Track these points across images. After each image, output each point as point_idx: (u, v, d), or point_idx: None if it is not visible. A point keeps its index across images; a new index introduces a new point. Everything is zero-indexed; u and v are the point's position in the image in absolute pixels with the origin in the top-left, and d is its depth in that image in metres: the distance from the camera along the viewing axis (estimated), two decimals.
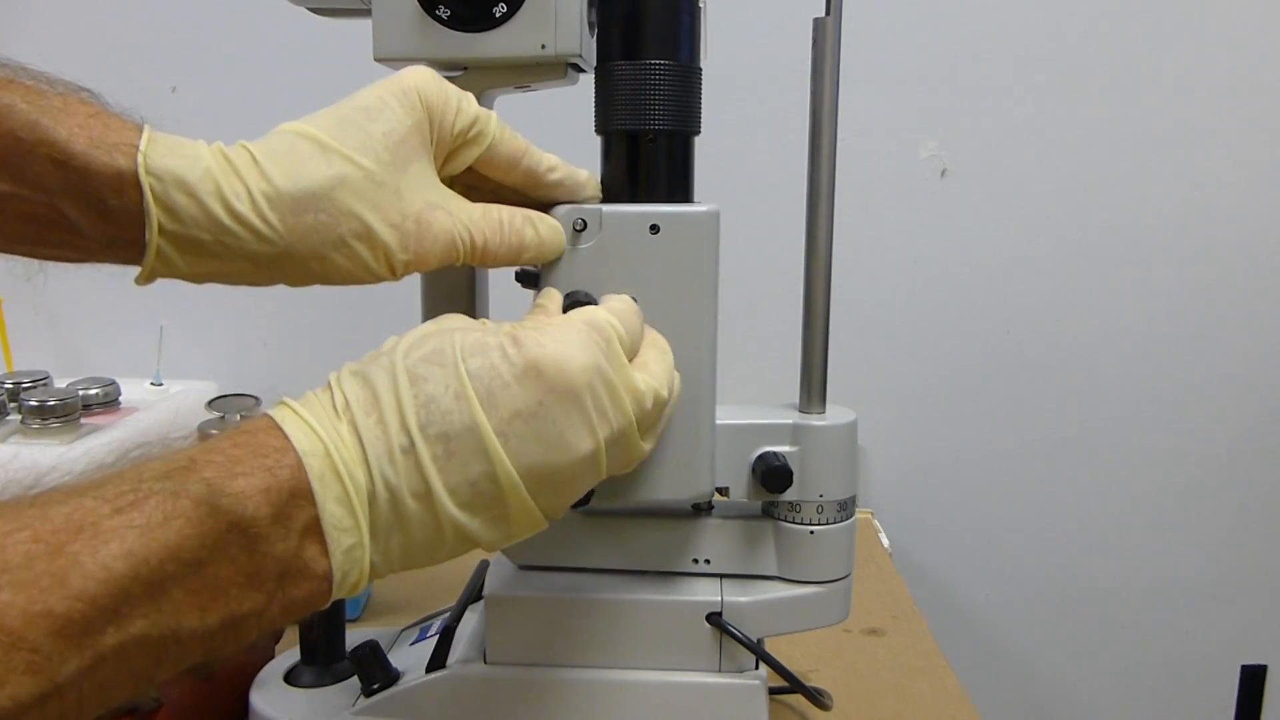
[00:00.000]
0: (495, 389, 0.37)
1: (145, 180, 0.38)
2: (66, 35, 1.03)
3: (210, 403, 0.80)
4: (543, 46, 0.48)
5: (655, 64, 0.48)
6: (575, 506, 0.48)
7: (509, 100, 0.56)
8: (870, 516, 1.01)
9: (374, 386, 0.37)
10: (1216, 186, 1.01)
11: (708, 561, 0.54)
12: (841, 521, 0.53)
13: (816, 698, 0.56)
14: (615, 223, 0.48)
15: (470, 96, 0.43)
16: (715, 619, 0.53)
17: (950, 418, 1.06)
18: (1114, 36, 0.99)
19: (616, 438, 0.39)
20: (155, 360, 1.02)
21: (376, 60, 0.50)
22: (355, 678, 0.55)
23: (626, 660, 0.53)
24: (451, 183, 0.45)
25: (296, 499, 0.33)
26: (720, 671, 0.53)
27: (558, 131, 0.91)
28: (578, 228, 0.48)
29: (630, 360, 0.42)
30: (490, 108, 0.55)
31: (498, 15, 0.47)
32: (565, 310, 0.44)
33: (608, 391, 0.39)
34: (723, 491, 0.53)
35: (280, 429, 0.35)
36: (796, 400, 0.55)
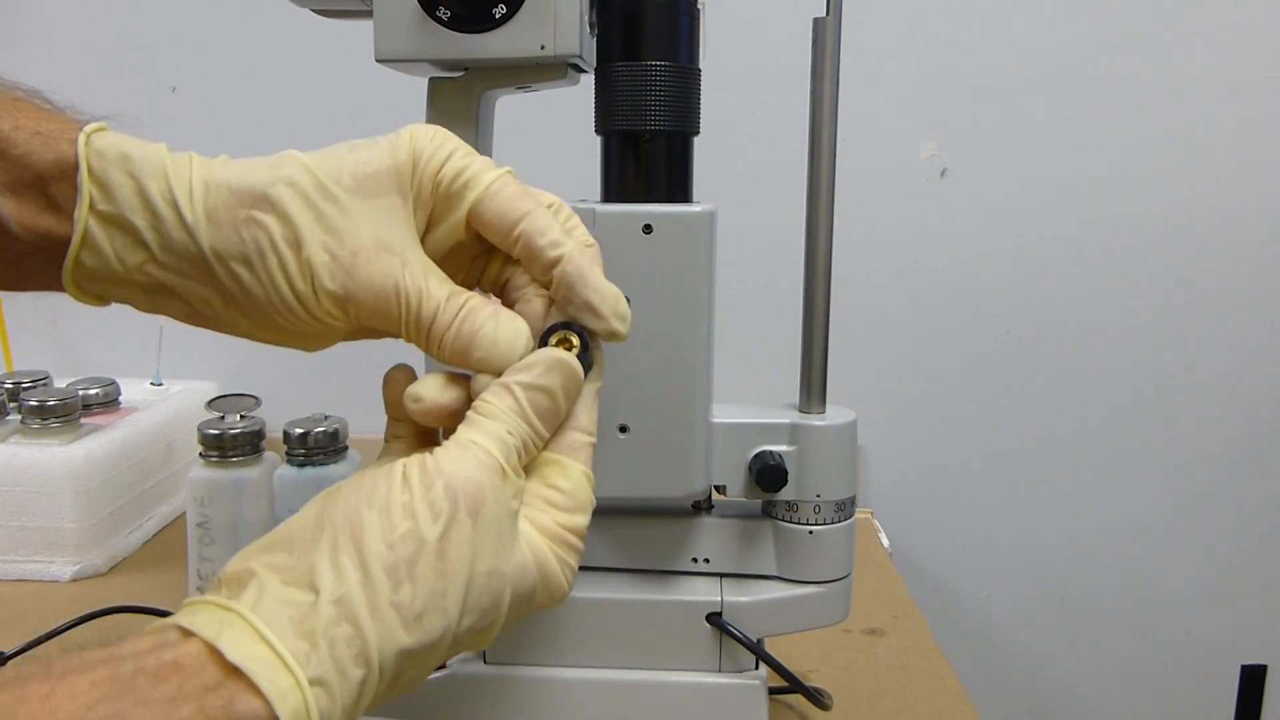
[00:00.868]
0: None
1: (84, 155, 0.35)
2: (66, 36, 1.03)
3: (210, 403, 0.80)
4: (542, 47, 0.48)
5: (654, 65, 0.49)
6: None
7: (509, 100, 0.56)
8: (870, 516, 1.01)
9: (411, 665, 0.32)
10: (1217, 187, 1.01)
11: (707, 561, 0.55)
12: (840, 521, 0.53)
13: (816, 698, 0.56)
14: (609, 222, 0.48)
15: (474, 154, 0.38)
16: (715, 619, 0.53)
17: (950, 418, 1.06)
18: (1114, 37, 0.99)
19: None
20: (155, 360, 1.02)
21: (377, 61, 0.50)
22: None
23: (626, 660, 0.54)
24: (475, 275, 0.41)
25: None
26: (720, 671, 0.54)
27: (558, 132, 0.91)
28: None
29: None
30: (491, 108, 0.55)
31: (497, 16, 0.47)
32: (545, 340, 0.37)
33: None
34: (720, 490, 0.53)
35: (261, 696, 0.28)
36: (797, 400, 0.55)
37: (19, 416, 0.86)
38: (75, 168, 0.35)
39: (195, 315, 0.38)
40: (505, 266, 0.40)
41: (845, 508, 0.53)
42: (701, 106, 0.51)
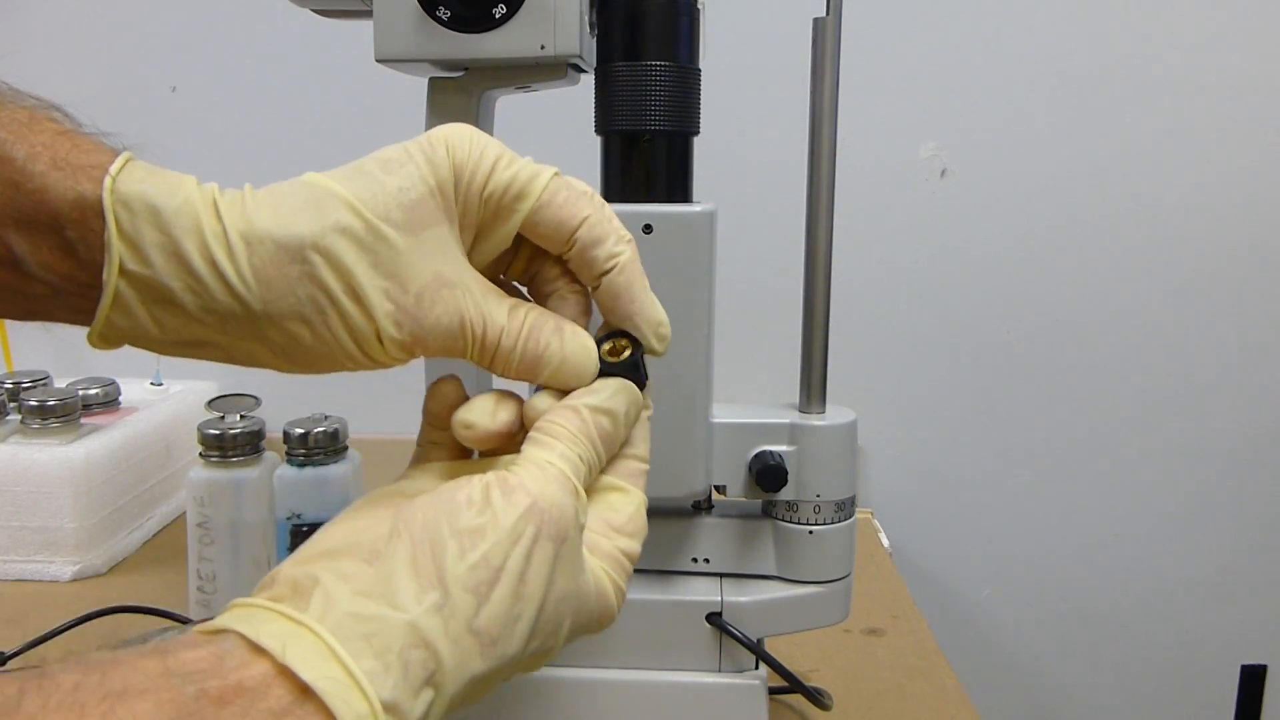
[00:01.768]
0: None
1: (110, 206, 0.31)
2: (67, 36, 1.03)
3: (210, 403, 0.80)
4: (542, 47, 0.48)
5: (654, 65, 0.49)
6: None
7: (509, 100, 0.56)
8: (870, 516, 1.01)
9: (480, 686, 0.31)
10: (1217, 186, 1.01)
11: (707, 560, 0.55)
12: (840, 522, 0.53)
13: (816, 698, 0.56)
14: None
15: (515, 159, 0.36)
16: (715, 619, 0.53)
17: (950, 418, 1.06)
18: (1114, 36, 0.99)
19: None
20: (155, 360, 1.02)
21: (377, 61, 0.50)
22: None
23: (626, 660, 0.54)
24: (500, 268, 0.39)
25: None
26: (720, 671, 0.54)
27: (558, 132, 0.91)
28: None
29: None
30: (491, 108, 0.55)
31: (497, 16, 0.47)
32: (601, 343, 0.37)
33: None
34: (720, 490, 0.53)
35: None
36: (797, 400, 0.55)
37: (19, 416, 0.86)
38: (97, 210, 0.32)
39: (231, 359, 0.35)
40: (535, 260, 0.38)
41: (845, 508, 0.53)
42: (701, 106, 0.51)
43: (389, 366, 0.35)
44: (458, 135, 0.35)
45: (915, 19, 0.99)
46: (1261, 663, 1.10)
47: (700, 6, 0.50)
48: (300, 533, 0.57)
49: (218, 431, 0.71)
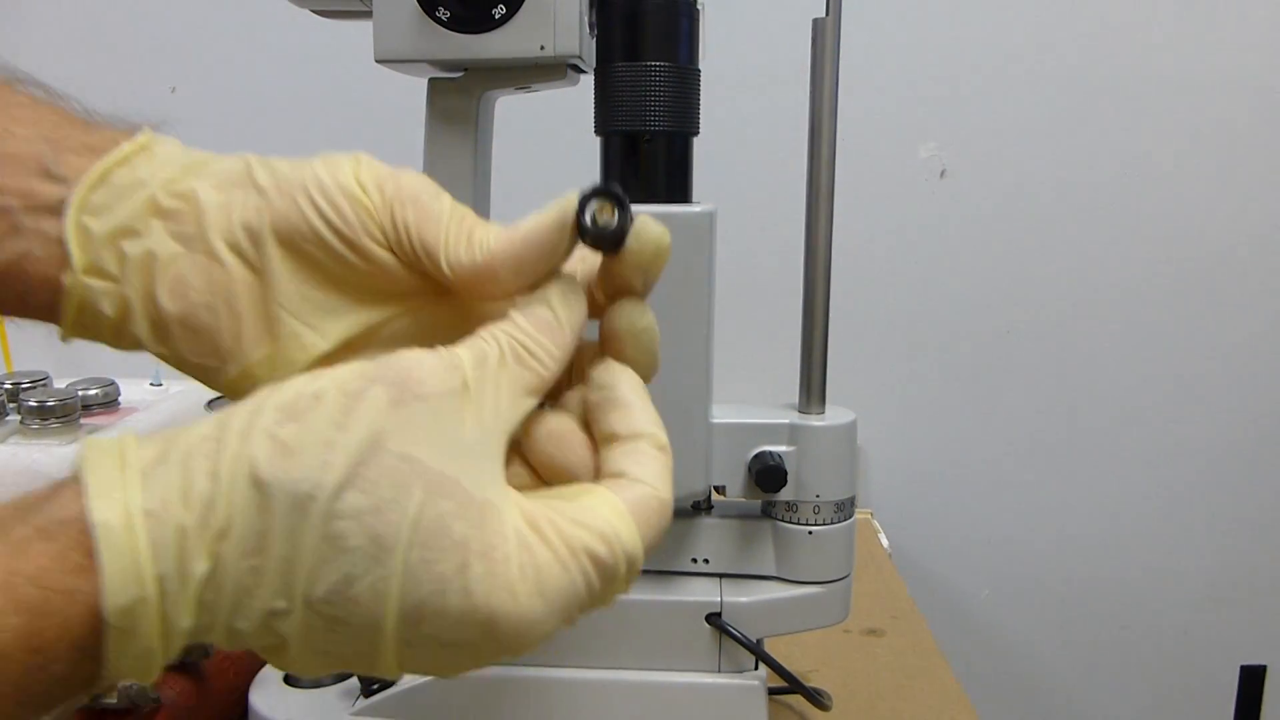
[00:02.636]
0: (427, 613, 0.26)
1: (74, 247, 0.31)
2: (66, 35, 1.03)
3: (210, 403, 0.80)
4: (542, 48, 0.48)
5: (654, 65, 0.49)
6: None
7: (509, 100, 0.56)
8: (870, 516, 1.01)
9: (271, 523, 0.25)
10: (1216, 186, 1.01)
11: (706, 561, 0.54)
12: (840, 522, 0.53)
13: (816, 698, 0.56)
14: None
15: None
16: (715, 619, 0.53)
17: (950, 418, 1.06)
18: (1114, 36, 0.99)
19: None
20: (155, 360, 1.02)
21: (377, 61, 0.50)
22: (354, 678, 0.55)
23: (626, 660, 0.54)
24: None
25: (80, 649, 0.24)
26: (719, 672, 0.53)
27: (558, 132, 0.91)
28: None
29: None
30: (491, 108, 0.55)
31: (497, 16, 0.47)
32: (587, 202, 0.30)
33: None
34: (720, 490, 0.53)
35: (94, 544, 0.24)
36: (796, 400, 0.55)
37: (18, 417, 0.85)
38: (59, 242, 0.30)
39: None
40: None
41: (845, 508, 0.53)
42: (701, 106, 0.51)
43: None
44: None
45: (915, 19, 0.99)
46: (1261, 663, 1.10)
47: (700, 7, 0.50)
48: None
49: None
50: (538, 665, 0.54)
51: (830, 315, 0.53)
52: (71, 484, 0.25)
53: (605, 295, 0.34)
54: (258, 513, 0.25)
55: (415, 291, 0.32)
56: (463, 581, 0.26)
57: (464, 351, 0.28)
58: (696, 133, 0.51)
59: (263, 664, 0.59)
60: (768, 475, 0.51)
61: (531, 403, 0.29)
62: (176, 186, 0.32)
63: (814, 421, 0.52)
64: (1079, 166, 1.01)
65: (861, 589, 0.60)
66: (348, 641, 0.26)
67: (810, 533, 0.53)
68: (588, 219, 0.30)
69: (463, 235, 0.31)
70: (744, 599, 0.53)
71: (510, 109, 0.58)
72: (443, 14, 0.47)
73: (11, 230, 0.31)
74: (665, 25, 0.49)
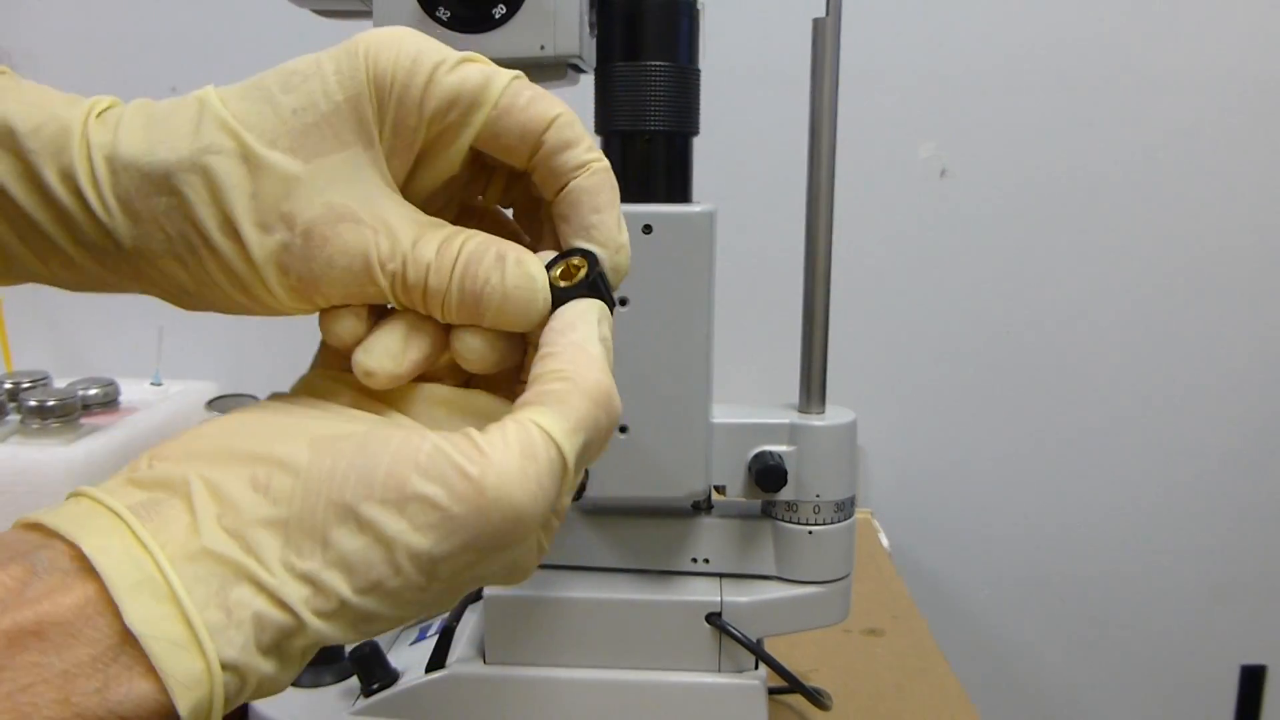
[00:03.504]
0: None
1: None
2: (66, 35, 1.03)
3: (210, 403, 0.80)
4: (542, 47, 0.48)
5: (654, 65, 0.49)
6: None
7: None
8: (870, 516, 1.01)
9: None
10: (1216, 185, 1.01)
11: (707, 561, 0.54)
12: (840, 522, 0.53)
13: (816, 698, 0.56)
14: None
15: (465, 61, 0.29)
16: (715, 619, 0.53)
17: (950, 418, 1.06)
18: (1114, 36, 0.99)
19: None
20: (155, 360, 1.02)
21: None
22: (355, 678, 0.55)
23: (626, 660, 0.54)
24: (470, 191, 0.33)
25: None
26: (720, 671, 0.54)
27: None
28: None
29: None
30: None
31: (497, 16, 0.47)
32: (551, 268, 0.29)
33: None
34: (720, 490, 0.53)
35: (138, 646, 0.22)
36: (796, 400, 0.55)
37: (18, 417, 0.86)
38: None
39: (149, 293, 0.31)
40: (510, 188, 0.33)
41: (845, 508, 0.53)
42: (701, 106, 0.51)
43: (295, 314, 0.30)
44: (384, 42, 0.29)
45: (915, 19, 0.99)
46: (1261, 663, 1.10)
47: (700, 7, 0.50)
48: None
49: None
50: (537, 665, 0.54)
51: (830, 315, 0.53)
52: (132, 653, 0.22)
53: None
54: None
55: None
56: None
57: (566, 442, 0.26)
58: (696, 133, 0.51)
59: None
60: (768, 475, 0.51)
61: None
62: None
63: (814, 421, 0.52)
64: (1079, 166, 1.01)
65: (861, 589, 0.60)
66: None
67: (810, 532, 0.53)
68: (560, 283, 0.29)
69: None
70: (744, 599, 0.53)
71: None
72: (443, 14, 0.47)
73: None
74: (665, 25, 0.49)
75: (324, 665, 0.57)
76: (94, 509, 0.24)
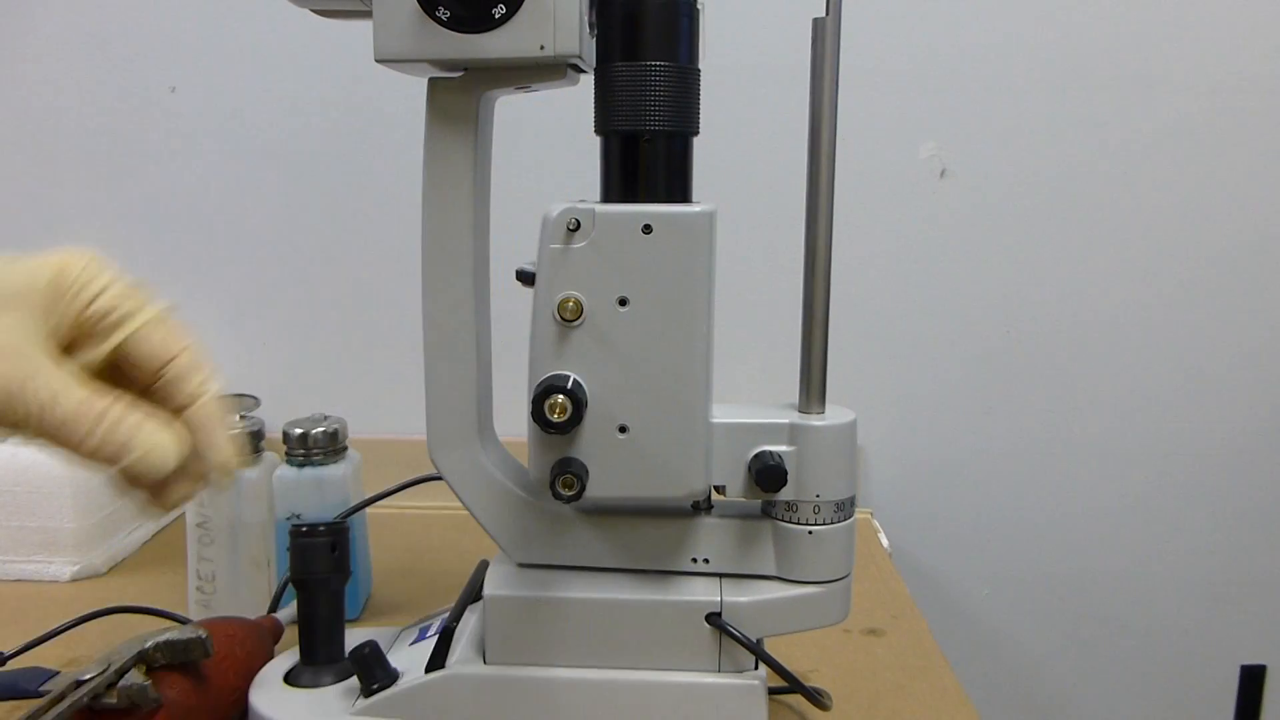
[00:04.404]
0: None
1: None
2: (66, 35, 1.03)
3: None
4: (541, 47, 0.48)
5: (653, 65, 0.49)
6: (568, 501, 0.48)
7: (509, 100, 0.56)
8: (870, 516, 1.01)
9: None
10: (1216, 186, 1.01)
11: (706, 561, 0.54)
12: (840, 522, 0.53)
13: (816, 698, 0.56)
14: (608, 223, 0.49)
15: (129, 293, 0.40)
16: (715, 619, 0.53)
17: (950, 418, 1.06)
18: (1114, 36, 0.99)
19: None
20: None
21: (377, 61, 0.50)
22: (355, 678, 0.55)
23: (626, 660, 0.54)
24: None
25: None
26: (720, 671, 0.54)
27: (557, 132, 0.91)
28: (571, 227, 0.49)
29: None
30: (491, 108, 0.55)
31: (497, 16, 0.47)
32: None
33: None
34: (720, 490, 0.53)
35: None
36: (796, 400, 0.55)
37: None
38: None
39: None
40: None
41: (845, 508, 0.53)
42: (701, 106, 0.51)
43: None
44: (76, 259, 0.38)
45: (915, 19, 0.99)
46: (1261, 663, 1.10)
47: (700, 6, 0.50)
48: (300, 533, 0.57)
49: None
50: (537, 665, 0.54)
51: (830, 315, 0.53)
52: None
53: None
54: None
55: None
56: None
57: None
58: (696, 133, 0.51)
59: (263, 664, 0.59)
60: (768, 475, 0.51)
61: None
62: None
63: (814, 421, 0.52)
64: (1079, 166, 1.01)
65: (861, 589, 0.60)
66: None
67: (810, 532, 0.53)
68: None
69: None
70: (744, 599, 0.53)
71: (510, 109, 0.59)
72: (443, 14, 0.47)
73: None
74: (665, 25, 0.49)
75: (324, 665, 0.57)
76: None
